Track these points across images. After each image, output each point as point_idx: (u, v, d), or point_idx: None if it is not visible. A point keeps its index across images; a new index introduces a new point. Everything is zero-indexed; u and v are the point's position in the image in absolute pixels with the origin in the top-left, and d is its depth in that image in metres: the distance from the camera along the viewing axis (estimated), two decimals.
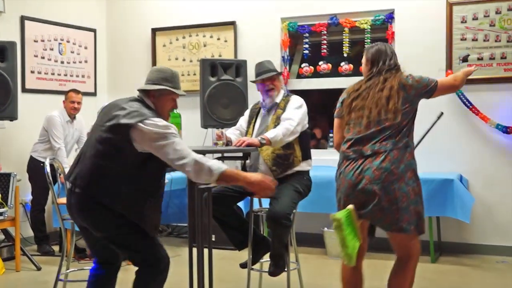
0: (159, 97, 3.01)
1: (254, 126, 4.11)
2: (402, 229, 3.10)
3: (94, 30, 6.97)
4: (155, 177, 2.95)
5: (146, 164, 2.85)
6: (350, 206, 3.06)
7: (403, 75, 3.22)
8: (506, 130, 5.40)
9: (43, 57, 6.36)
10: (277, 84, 4.07)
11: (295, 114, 3.86)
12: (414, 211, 3.10)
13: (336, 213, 3.06)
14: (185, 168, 2.79)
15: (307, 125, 4.00)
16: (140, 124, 2.78)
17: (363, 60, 3.37)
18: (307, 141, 4.03)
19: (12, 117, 5.29)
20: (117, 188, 2.82)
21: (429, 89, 3.22)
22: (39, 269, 5.12)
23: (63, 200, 4.13)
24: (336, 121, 3.39)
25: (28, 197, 5.85)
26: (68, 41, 6.65)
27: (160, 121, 2.83)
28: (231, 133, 4.13)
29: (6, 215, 5.05)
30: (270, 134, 3.72)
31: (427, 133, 5.08)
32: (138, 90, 3.05)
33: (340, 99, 3.37)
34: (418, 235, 3.19)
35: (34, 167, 5.61)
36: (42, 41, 6.35)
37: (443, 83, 3.31)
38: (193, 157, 2.79)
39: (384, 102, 3.13)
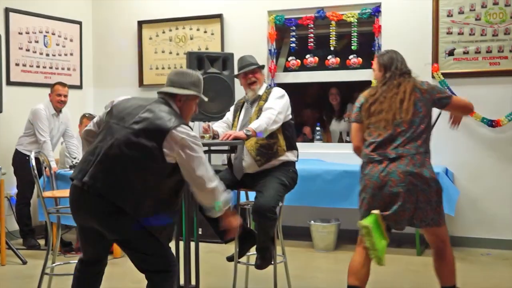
0: (186, 101, 2.97)
1: (238, 118, 4.12)
2: (414, 225, 3.33)
3: (79, 23, 6.92)
4: (175, 190, 2.89)
5: (170, 176, 2.81)
6: (376, 211, 3.20)
7: (417, 80, 3.41)
8: (491, 123, 5.44)
9: (28, 50, 6.30)
10: (259, 77, 4.09)
11: (276, 104, 3.89)
12: (432, 211, 3.27)
13: (364, 220, 3.20)
14: (204, 186, 2.81)
15: (290, 116, 4.01)
16: (174, 131, 2.73)
17: (375, 66, 3.54)
18: (291, 131, 4.03)
19: None
20: (138, 196, 2.75)
21: (442, 98, 3.43)
22: (24, 263, 5.09)
23: (48, 193, 4.11)
24: (354, 126, 3.51)
25: (13, 190, 5.81)
26: (53, 34, 6.60)
27: (191, 131, 2.81)
28: (219, 126, 4.14)
29: None
30: (254, 125, 3.75)
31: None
32: (163, 92, 2.96)
33: (357, 104, 3.49)
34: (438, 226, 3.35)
35: (20, 160, 5.56)
36: (27, 33, 6.29)
37: (458, 100, 3.58)
38: (216, 183, 2.84)
39: (398, 106, 3.30)
